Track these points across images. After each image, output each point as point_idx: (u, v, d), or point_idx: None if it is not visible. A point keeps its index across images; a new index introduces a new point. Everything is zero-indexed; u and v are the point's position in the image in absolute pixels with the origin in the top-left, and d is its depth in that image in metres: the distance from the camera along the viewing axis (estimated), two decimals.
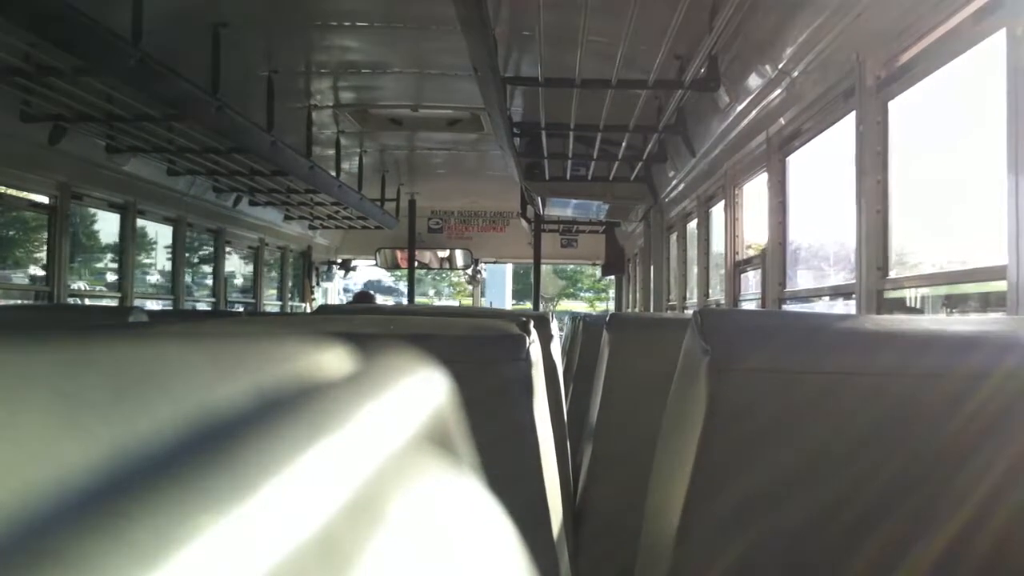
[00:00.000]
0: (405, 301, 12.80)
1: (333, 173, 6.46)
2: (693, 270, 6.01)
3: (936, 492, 0.69)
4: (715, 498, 0.72)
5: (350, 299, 11.53)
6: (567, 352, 3.28)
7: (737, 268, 4.84)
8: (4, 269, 5.62)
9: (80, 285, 6.08)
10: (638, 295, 8.73)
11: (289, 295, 9.53)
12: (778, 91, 3.41)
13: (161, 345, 0.28)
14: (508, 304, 13.13)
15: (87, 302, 6.20)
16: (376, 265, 11.31)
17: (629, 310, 9.47)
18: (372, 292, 11.52)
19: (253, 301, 8.40)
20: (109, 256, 6.19)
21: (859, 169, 2.83)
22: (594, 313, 10.91)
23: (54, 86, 3.87)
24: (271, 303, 9.07)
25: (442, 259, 10.67)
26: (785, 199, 3.91)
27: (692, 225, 6.09)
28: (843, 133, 3.08)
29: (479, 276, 11.43)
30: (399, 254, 10.36)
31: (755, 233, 4.65)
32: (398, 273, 14.99)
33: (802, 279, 4.21)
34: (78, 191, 5.20)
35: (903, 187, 2.75)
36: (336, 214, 7.96)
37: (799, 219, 3.98)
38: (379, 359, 0.33)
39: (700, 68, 3.77)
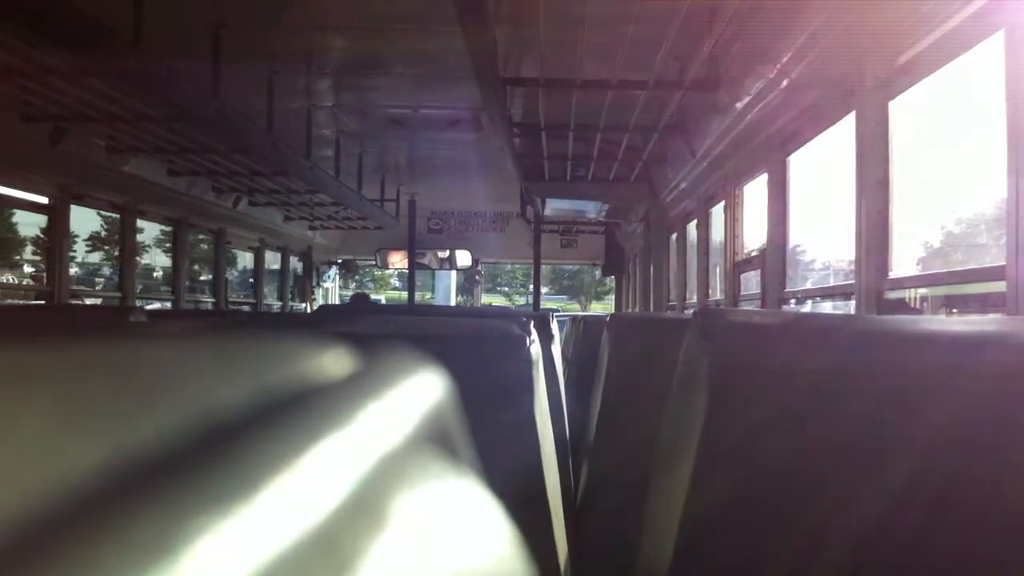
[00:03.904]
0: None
1: (333, 173, 6.46)
2: (693, 270, 6.01)
3: (936, 492, 0.69)
4: (716, 498, 0.72)
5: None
6: (567, 352, 3.28)
7: (737, 268, 4.84)
8: (4, 269, 5.61)
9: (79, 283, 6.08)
10: (638, 295, 8.73)
11: (289, 295, 9.53)
12: (778, 91, 3.41)
13: (161, 345, 0.28)
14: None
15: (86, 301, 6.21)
16: (376, 265, 11.30)
17: (629, 310, 9.46)
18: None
19: (253, 301, 8.40)
20: (108, 256, 6.20)
21: (859, 169, 2.83)
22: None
23: (54, 86, 3.87)
24: (271, 303, 9.08)
25: (442, 259, 10.65)
26: (785, 199, 3.91)
27: (692, 225, 6.09)
28: (843, 133, 3.08)
29: (478, 277, 11.41)
30: (399, 254, 10.36)
31: (755, 233, 4.65)
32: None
33: (802, 280, 4.21)
34: (78, 191, 5.21)
35: (903, 187, 2.75)
36: (336, 214, 7.95)
37: (799, 219, 3.97)
38: (380, 359, 0.33)
39: (700, 68, 3.77)
